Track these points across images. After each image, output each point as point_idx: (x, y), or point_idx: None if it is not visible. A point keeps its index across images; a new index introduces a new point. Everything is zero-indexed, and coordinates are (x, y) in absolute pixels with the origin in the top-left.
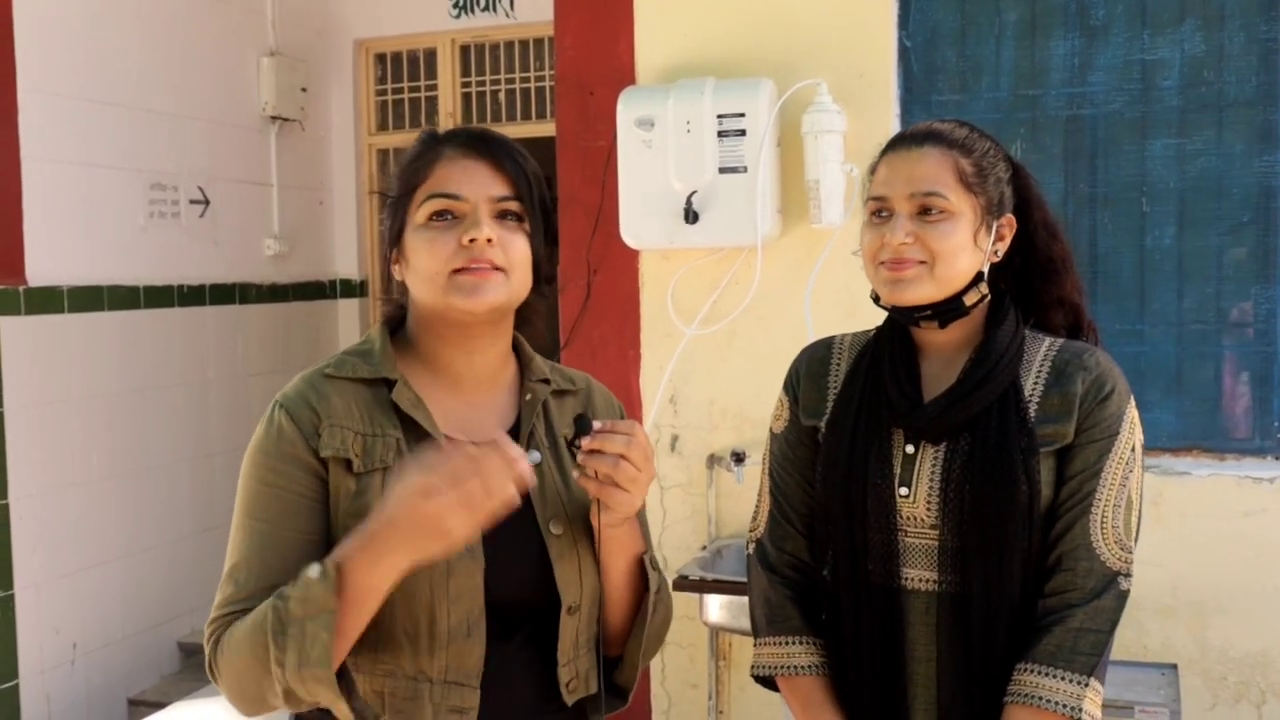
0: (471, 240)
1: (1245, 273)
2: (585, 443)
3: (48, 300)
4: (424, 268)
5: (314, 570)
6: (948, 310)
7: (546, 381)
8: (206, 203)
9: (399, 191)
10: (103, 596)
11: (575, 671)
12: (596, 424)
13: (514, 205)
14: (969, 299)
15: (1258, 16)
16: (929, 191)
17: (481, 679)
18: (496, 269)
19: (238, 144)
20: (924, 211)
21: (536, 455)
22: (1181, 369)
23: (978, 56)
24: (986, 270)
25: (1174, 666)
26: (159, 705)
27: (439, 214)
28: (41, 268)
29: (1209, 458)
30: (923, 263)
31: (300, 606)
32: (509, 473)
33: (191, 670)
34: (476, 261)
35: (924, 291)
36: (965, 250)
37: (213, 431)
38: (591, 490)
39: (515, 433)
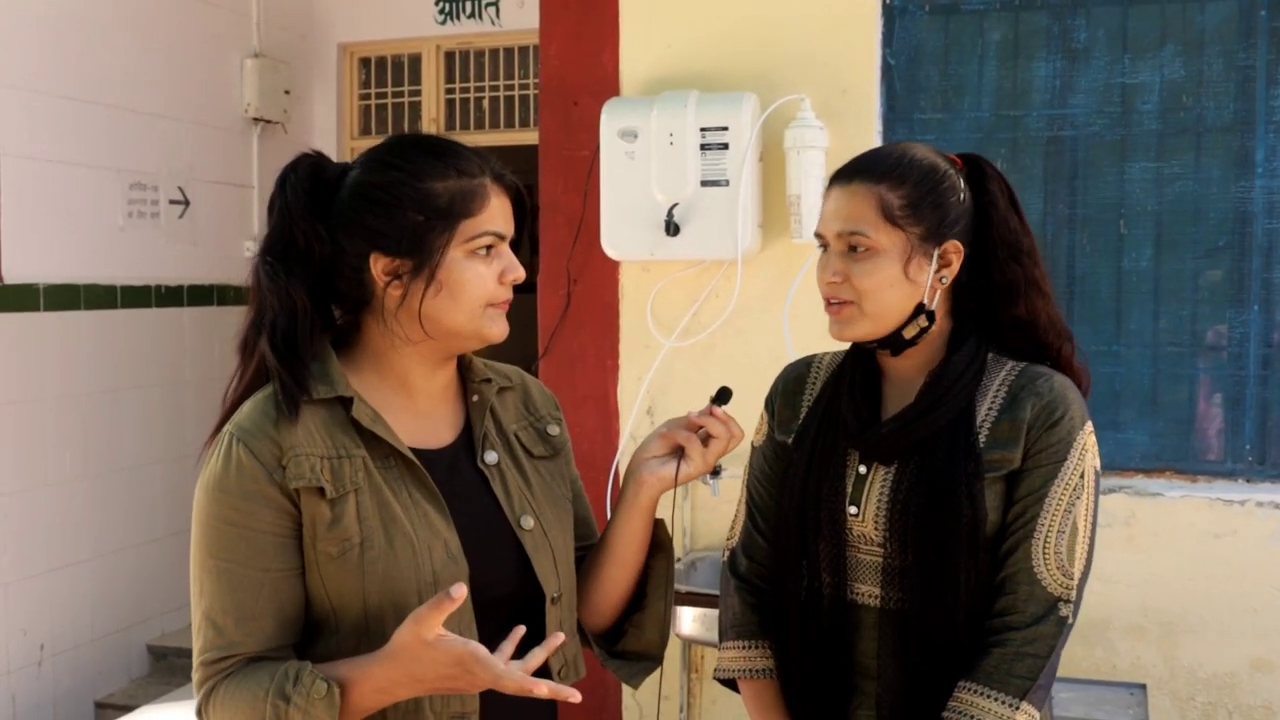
0: (513, 279)
1: (1220, 296)
2: (719, 411)
3: (23, 298)
4: (472, 298)
5: (320, 688)
6: (891, 344)
7: (489, 381)
8: (186, 203)
9: (446, 213)
10: (72, 598)
11: (564, 658)
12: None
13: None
14: (908, 333)
15: (1236, 44)
16: (851, 230)
17: None
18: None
19: (219, 145)
20: (852, 249)
21: (494, 456)
22: (1156, 390)
23: (960, 76)
24: (934, 299)
25: (1143, 686)
26: (127, 708)
27: (486, 248)
28: (17, 265)
29: (1181, 479)
30: (853, 302)
31: (302, 717)
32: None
33: (160, 674)
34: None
35: (860, 330)
36: (893, 285)
37: (188, 433)
38: (680, 440)
39: (468, 435)
